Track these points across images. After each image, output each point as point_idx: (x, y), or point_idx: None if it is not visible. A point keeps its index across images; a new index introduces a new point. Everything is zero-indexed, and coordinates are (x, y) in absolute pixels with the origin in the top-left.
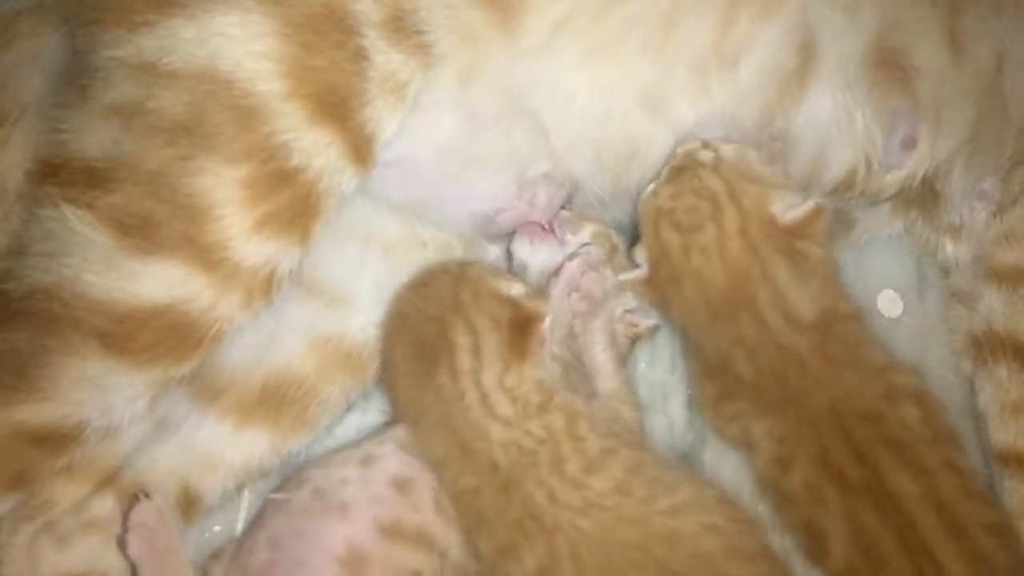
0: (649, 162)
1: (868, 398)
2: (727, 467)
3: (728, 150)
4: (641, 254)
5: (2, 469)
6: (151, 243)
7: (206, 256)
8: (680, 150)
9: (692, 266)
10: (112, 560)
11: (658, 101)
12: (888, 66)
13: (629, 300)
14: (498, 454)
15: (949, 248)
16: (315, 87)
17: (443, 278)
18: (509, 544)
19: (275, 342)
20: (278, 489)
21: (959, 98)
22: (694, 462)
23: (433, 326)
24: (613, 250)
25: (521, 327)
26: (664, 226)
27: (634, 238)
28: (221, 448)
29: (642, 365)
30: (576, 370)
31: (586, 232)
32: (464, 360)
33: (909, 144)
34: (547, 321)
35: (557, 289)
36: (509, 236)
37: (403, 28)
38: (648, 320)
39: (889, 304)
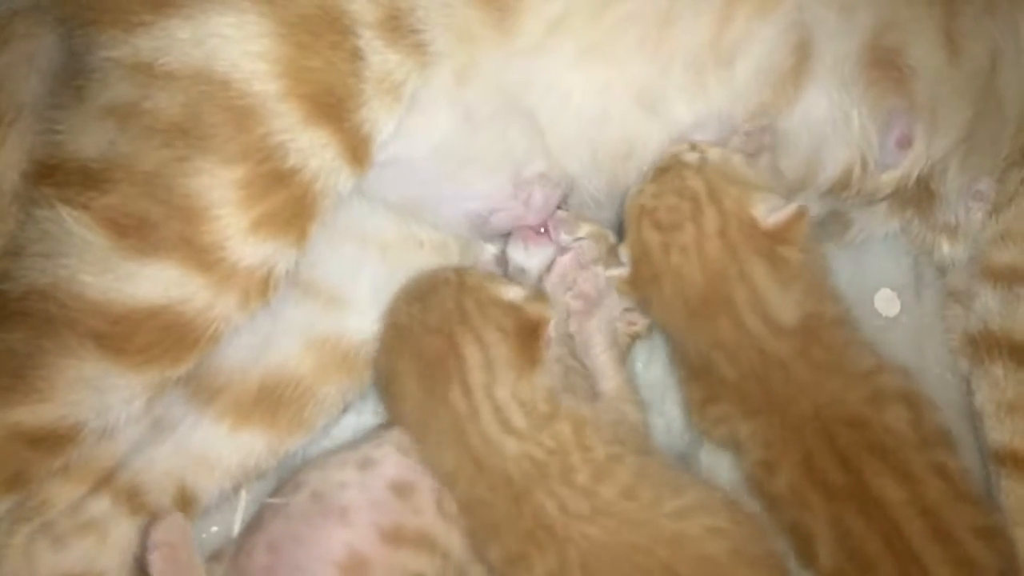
0: (645, 162)
1: (853, 403)
2: (724, 467)
3: (714, 153)
4: (625, 252)
5: None
6: (147, 244)
7: (202, 257)
8: (668, 151)
9: (671, 265)
10: (108, 561)
11: (654, 100)
12: (884, 65)
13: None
14: (512, 468)
15: (945, 247)
16: (311, 88)
17: (443, 288)
18: (520, 554)
19: (272, 343)
20: (275, 490)
21: (955, 97)
22: (691, 462)
23: (439, 339)
24: (610, 250)
25: (528, 333)
26: (645, 225)
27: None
28: (218, 449)
29: (639, 365)
30: (575, 370)
31: (582, 232)
32: (476, 375)
33: (905, 143)
34: (552, 324)
35: (550, 285)
36: (505, 235)
37: (399, 28)
38: (646, 319)
39: (886, 303)
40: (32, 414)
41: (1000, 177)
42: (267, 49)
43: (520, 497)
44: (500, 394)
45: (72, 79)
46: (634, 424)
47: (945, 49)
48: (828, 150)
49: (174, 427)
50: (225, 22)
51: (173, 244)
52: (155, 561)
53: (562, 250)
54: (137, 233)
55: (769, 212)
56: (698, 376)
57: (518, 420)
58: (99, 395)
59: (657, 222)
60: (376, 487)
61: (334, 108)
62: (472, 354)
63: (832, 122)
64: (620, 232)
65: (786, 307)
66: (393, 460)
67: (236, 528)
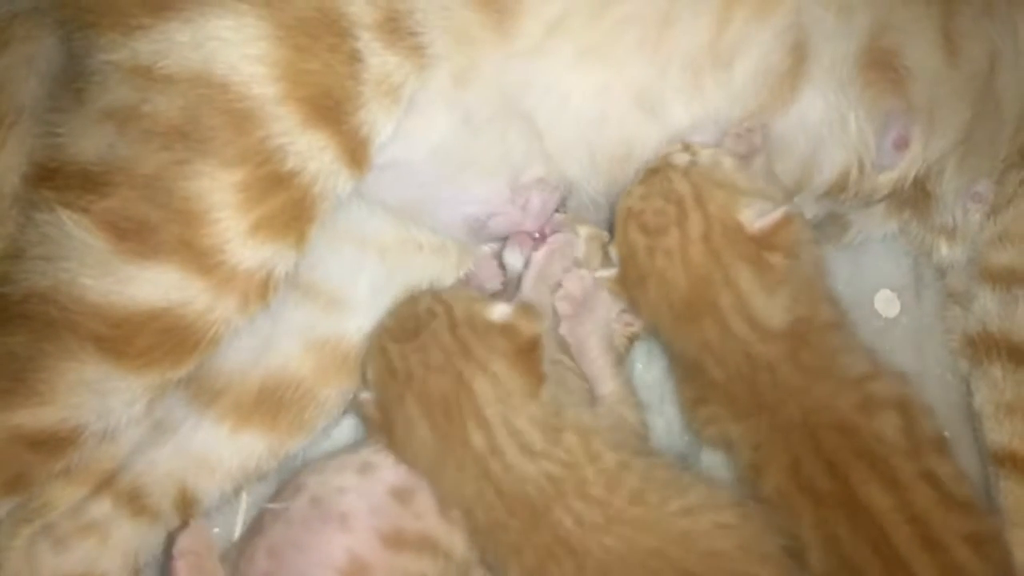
0: (643, 164)
1: (842, 409)
2: (725, 468)
3: (705, 155)
4: (615, 253)
5: (0, 472)
6: (147, 247)
7: (202, 260)
8: (662, 152)
9: (656, 267)
10: (109, 563)
11: (653, 102)
12: (881, 67)
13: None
14: (531, 489)
15: (944, 249)
16: (309, 90)
17: (434, 323)
18: (539, 572)
19: (272, 345)
20: (275, 493)
21: (953, 99)
22: (692, 462)
23: (445, 379)
24: (606, 253)
25: (528, 352)
26: (632, 227)
27: None
28: (218, 451)
29: (639, 366)
30: (567, 367)
31: (580, 235)
32: (492, 409)
33: (902, 145)
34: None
35: (528, 282)
36: (504, 239)
37: (397, 30)
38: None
39: (886, 304)
40: (33, 417)
41: (998, 179)
42: (265, 52)
43: (538, 516)
44: (518, 422)
45: (71, 82)
46: (634, 427)
47: (943, 50)
48: (825, 152)
49: (175, 429)
50: (223, 25)
51: (173, 247)
52: (180, 569)
53: (524, 239)
54: (137, 236)
55: (756, 217)
56: (690, 377)
57: (536, 440)
58: (100, 398)
59: (643, 225)
60: (376, 492)
61: (332, 110)
62: (483, 389)
63: (829, 124)
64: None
65: (773, 312)
66: (392, 465)
67: (237, 530)
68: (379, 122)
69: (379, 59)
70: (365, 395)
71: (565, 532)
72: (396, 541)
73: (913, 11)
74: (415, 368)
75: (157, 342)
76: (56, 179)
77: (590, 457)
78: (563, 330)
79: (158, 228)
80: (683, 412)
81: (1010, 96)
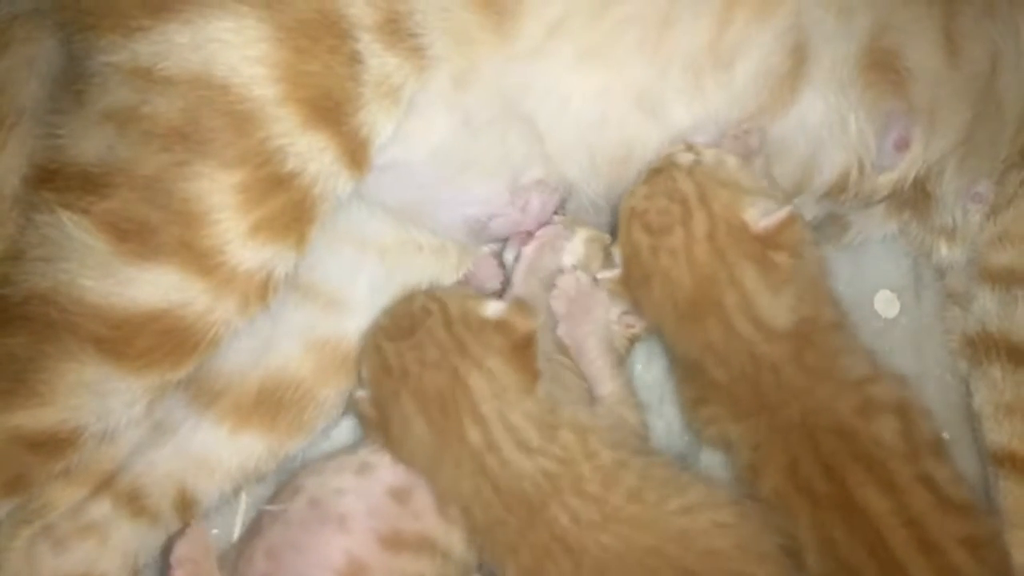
0: (643, 166)
1: (841, 412)
2: (723, 469)
3: (709, 155)
4: (618, 253)
5: (0, 473)
6: (147, 248)
7: (202, 261)
8: (664, 152)
9: (660, 267)
10: (109, 564)
11: (653, 103)
12: (882, 68)
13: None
14: (528, 486)
15: (944, 250)
16: (309, 92)
17: (430, 320)
18: (536, 570)
19: (272, 346)
20: (273, 495)
21: (954, 99)
22: (691, 463)
23: (441, 375)
24: (608, 255)
25: (523, 348)
26: (636, 227)
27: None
28: (218, 451)
29: (639, 366)
30: (563, 364)
31: (579, 237)
32: (487, 406)
33: (902, 146)
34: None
35: (518, 276)
36: (504, 241)
37: (397, 31)
38: (644, 321)
39: (886, 304)
40: (33, 418)
41: (999, 179)
42: (265, 53)
43: (535, 513)
44: (513, 418)
45: (72, 83)
46: (633, 427)
47: (944, 51)
48: (825, 153)
49: (174, 430)
50: (224, 27)
51: (173, 248)
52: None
53: (524, 240)
54: (137, 237)
55: (760, 216)
56: (691, 377)
57: (532, 437)
58: (100, 399)
59: (647, 225)
60: (374, 493)
61: (332, 112)
62: (478, 385)
63: (829, 125)
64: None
65: (778, 312)
66: (390, 465)
67: (236, 531)
68: (379, 123)
69: (379, 60)
70: (361, 393)
71: (562, 530)
72: (394, 542)
73: (914, 12)
74: (411, 365)
75: (157, 343)
76: (56, 180)
77: (586, 454)
78: (561, 331)
79: (158, 229)
80: (683, 412)
81: (1011, 97)
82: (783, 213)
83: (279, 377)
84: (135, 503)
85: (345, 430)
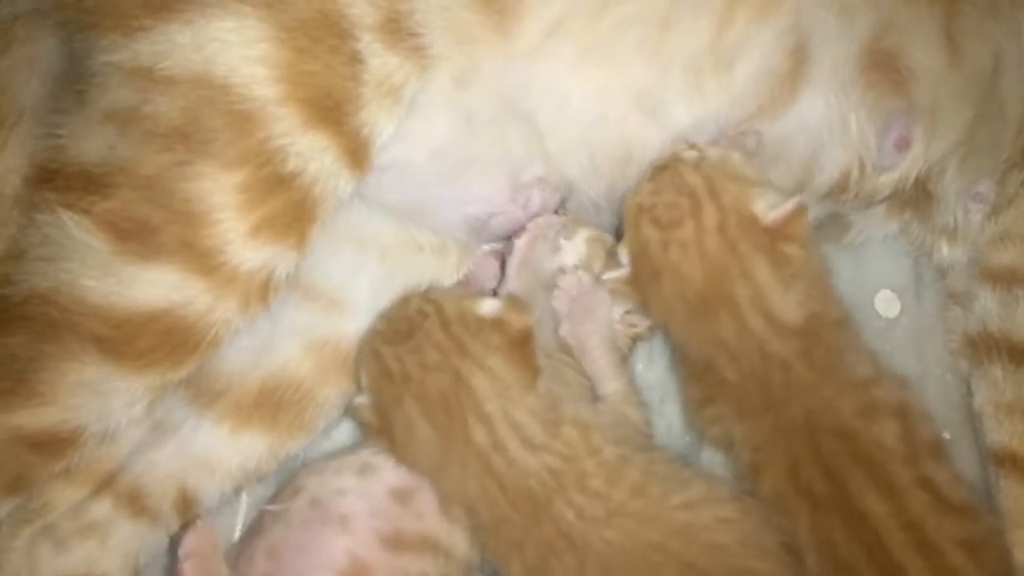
0: (644, 166)
1: (843, 413)
2: (723, 469)
3: (713, 151)
4: (624, 252)
5: (1, 473)
6: (148, 248)
7: (203, 261)
8: (666, 152)
9: (670, 261)
10: (110, 563)
11: (653, 103)
12: (883, 68)
13: (627, 301)
14: (533, 483)
15: (945, 249)
16: (310, 91)
17: (427, 323)
18: (541, 567)
19: (272, 345)
20: (274, 495)
21: (955, 99)
22: (692, 463)
23: (443, 377)
24: (609, 254)
25: (521, 344)
26: (644, 222)
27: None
28: (218, 451)
29: (640, 366)
30: (562, 361)
31: (580, 236)
32: (491, 405)
33: (903, 145)
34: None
35: (512, 270)
36: (505, 239)
37: (398, 31)
38: (647, 320)
39: (887, 304)
40: (34, 418)
41: (1000, 179)
42: (266, 53)
43: (540, 509)
44: (518, 415)
45: (73, 83)
46: (636, 424)
47: (945, 50)
48: (825, 152)
49: (175, 430)
50: (224, 27)
51: (174, 248)
52: (187, 571)
53: (518, 232)
54: (138, 237)
55: (769, 208)
56: (698, 376)
57: (537, 433)
58: (100, 399)
59: (656, 219)
60: (376, 494)
61: (333, 112)
62: (481, 385)
63: (829, 125)
64: (619, 236)
65: (789, 306)
66: (392, 466)
67: (237, 531)
68: (380, 123)
69: (380, 60)
70: (360, 400)
71: (567, 526)
72: (396, 542)
73: (915, 12)
74: (412, 369)
75: (158, 343)
76: (57, 180)
77: (589, 450)
78: (563, 331)
79: (159, 229)
80: (686, 412)
81: (1013, 96)
82: (791, 204)
83: (280, 377)
84: (136, 503)
85: (346, 430)
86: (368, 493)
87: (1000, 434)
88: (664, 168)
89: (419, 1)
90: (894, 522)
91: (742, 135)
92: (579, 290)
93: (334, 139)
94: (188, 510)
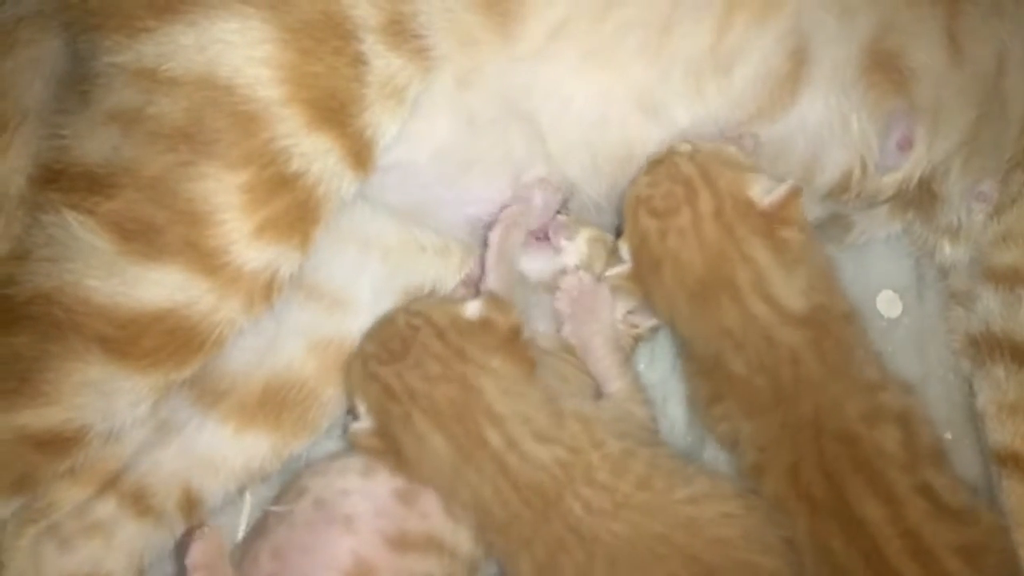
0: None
1: (849, 416)
2: (727, 468)
3: (707, 144)
4: (625, 248)
5: (5, 473)
6: (152, 248)
7: (207, 261)
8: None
9: (669, 250)
10: (114, 563)
11: (655, 105)
12: (884, 68)
13: (630, 300)
14: (544, 477)
15: (947, 249)
16: (314, 92)
17: (420, 335)
18: (550, 563)
19: (276, 345)
20: (277, 495)
21: (958, 99)
22: (695, 461)
23: (451, 387)
24: (610, 254)
25: (512, 340)
26: (642, 213)
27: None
28: (222, 451)
29: (642, 366)
30: (557, 355)
31: (582, 237)
32: (501, 404)
33: (905, 145)
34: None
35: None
36: None
37: (402, 32)
38: (649, 320)
39: (888, 304)
40: (38, 417)
41: (1003, 179)
42: (270, 55)
43: (550, 505)
44: (526, 409)
45: (77, 84)
46: (641, 421)
47: (947, 50)
48: (826, 153)
49: (179, 430)
50: (228, 28)
51: (178, 248)
52: None
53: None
54: (142, 238)
55: (764, 193)
56: (706, 372)
57: (545, 425)
58: (105, 398)
59: (653, 209)
60: (380, 494)
61: (337, 113)
62: (489, 386)
63: (830, 126)
64: (620, 236)
65: (792, 292)
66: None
67: (241, 530)
68: (383, 124)
69: (383, 61)
70: (357, 426)
71: (575, 520)
72: (401, 542)
73: (916, 12)
74: (416, 384)
75: (162, 343)
76: (61, 181)
77: (593, 443)
78: (566, 331)
79: (163, 229)
80: (694, 410)
81: (1017, 96)
82: (785, 188)
83: (283, 377)
84: (140, 503)
85: None
86: (372, 493)
87: (1003, 434)
88: (660, 161)
89: (422, 3)
90: (891, 529)
91: (739, 137)
92: (581, 291)
93: (338, 140)
94: (192, 510)
